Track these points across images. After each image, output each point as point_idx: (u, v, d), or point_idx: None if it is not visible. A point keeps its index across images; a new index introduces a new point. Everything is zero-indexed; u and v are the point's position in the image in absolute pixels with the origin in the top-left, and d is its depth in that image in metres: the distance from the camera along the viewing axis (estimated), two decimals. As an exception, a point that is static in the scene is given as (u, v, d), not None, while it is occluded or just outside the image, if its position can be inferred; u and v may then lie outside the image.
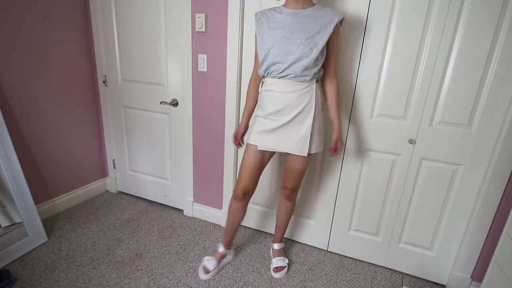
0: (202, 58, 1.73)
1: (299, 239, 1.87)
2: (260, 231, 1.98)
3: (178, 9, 1.72)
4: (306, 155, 1.30)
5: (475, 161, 1.38)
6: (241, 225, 2.02)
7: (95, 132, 2.21)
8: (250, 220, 1.98)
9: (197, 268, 1.60)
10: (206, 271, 1.54)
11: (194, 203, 2.07)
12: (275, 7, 1.27)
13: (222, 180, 1.92)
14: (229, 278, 1.55)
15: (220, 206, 1.98)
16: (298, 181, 1.44)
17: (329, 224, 1.76)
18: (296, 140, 1.29)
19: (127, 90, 2.04)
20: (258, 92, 1.37)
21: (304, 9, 1.20)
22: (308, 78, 1.23)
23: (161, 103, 1.90)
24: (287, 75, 1.22)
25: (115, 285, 1.46)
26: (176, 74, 1.85)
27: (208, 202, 2.03)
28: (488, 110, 1.31)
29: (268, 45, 1.22)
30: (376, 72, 1.43)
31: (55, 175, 1.98)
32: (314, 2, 1.26)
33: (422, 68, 1.35)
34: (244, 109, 1.47)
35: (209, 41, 1.69)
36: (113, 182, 2.34)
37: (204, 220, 2.06)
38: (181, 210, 2.17)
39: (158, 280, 1.50)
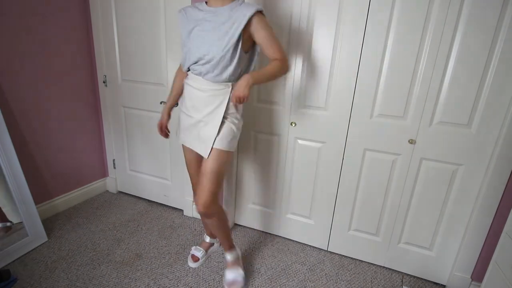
0: (202, 58, 1.72)
1: (299, 239, 1.87)
2: (260, 231, 1.98)
3: (178, 9, 1.72)
4: (206, 157, 1.25)
5: (475, 161, 1.38)
6: (240, 225, 2.02)
7: (95, 132, 2.21)
8: (250, 220, 1.98)
9: (197, 268, 1.60)
10: (195, 260, 1.60)
11: (194, 203, 2.07)
12: (197, 4, 1.25)
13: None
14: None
15: (220, 206, 1.98)
16: (209, 188, 1.25)
17: (329, 224, 1.76)
18: (202, 141, 1.26)
19: (127, 90, 2.04)
20: (180, 82, 1.39)
21: (222, 6, 1.17)
22: (222, 78, 1.19)
23: (161, 103, 1.90)
24: (202, 73, 1.21)
25: (115, 285, 1.46)
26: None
27: (208, 202, 2.02)
28: (488, 110, 1.31)
29: (188, 44, 1.22)
30: (376, 72, 1.43)
31: (55, 175, 1.98)
32: None
33: (422, 68, 1.35)
34: (168, 99, 1.46)
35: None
36: (113, 182, 2.34)
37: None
38: (181, 210, 2.17)
39: (158, 280, 1.50)
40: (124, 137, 2.18)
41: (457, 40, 1.27)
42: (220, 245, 1.66)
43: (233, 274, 1.45)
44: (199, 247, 1.65)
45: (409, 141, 1.46)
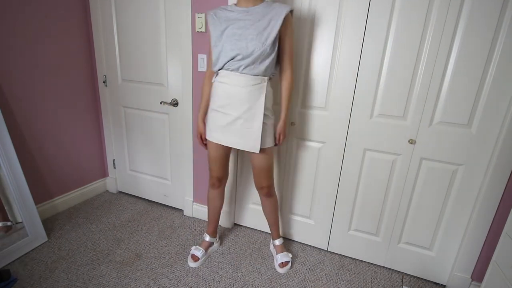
0: (202, 58, 1.73)
1: (299, 239, 1.87)
2: (260, 231, 1.98)
3: (178, 9, 1.72)
4: (258, 152, 1.35)
5: (475, 161, 1.38)
6: (240, 225, 2.02)
7: (95, 132, 2.21)
8: (250, 220, 1.98)
9: (197, 268, 1.60)
10: (195, 259, 1.61)
11: (194, 203, 2.07)
12: (226, 6, 1.32)
13: (222, 180, 1.92)
14: (229, 278, 1.55)
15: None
16: (269, 177, 1.49)
17: (329, 224, 1.76)
18: (248, 138, 1.34)
19: (127, 90, 2.04)
20: (209, 87, 1.45)
21: (254, 6, 1.25)
22: (261, 73, 1.27)
23: (161, 103, 1.90)
24: (239, 69, 1.27)
25: (115, 285, 1.46)
26: (176, 74, 1.85)
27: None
28: (488, 110, 1.31)
29: (221, 43, 1.27)
30: (376, 72, 1.43)
31: (55, 175, 1.98)
32: None
33: (422, 68, 1.35)
34: (200, 109, 1.49)
35: (209, 41, 1.69)
36: (113, 182, 2.34)
37: (204, 220, 2.06)
38: (181, 210, 2.17)
39: (158, 280, 1.50)
40: (124, 137, 2.18)
41: (457, 40, 1.27)
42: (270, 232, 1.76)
43: (285, 257, 1.63)
44: (199, 247, 1.66)
45: (409, 141, 1.46)
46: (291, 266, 1.65)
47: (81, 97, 2.06)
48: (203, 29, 1.67)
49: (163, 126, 2.01)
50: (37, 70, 1.76)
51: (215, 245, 1.75)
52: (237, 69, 1.27)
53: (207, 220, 2.04)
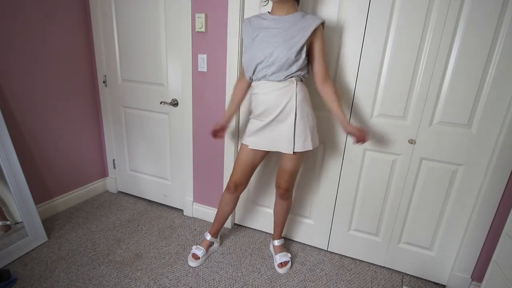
0: (202, 58, 1.73)
1: (299, 239, 1.87)
2: (260, 231, 1.98)
3: (178, 9, 1.72)
4: (291, 153, 1.35)
5: (475, 161, 1.38)
6: (240, 225, 2.02)
7: (95, 132, 2.21)
8: (250, 220, 1.98)
9: (197, 268, 1.60)
10: (196, 258, 1.62)
11: (194, 203, 2.08)
12: (261, 14, 1.35)
13: (222, 180, 1.92)
14: (229, 278, 1.55)
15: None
16: (290, 180, 1.48)
17: (329, 224, 1.76)
18: (281, 139, 1.35)
19: (127, 90, 2.04)
20: (244, 93, 1.49)
21: (287, 15, 1.28)
22: (287, 78, 1.28)
23: (161, 103, 1.90)
24: (266, 76, 1.30)
25: (115, 285, 1.46)
26: (176, 74, 1.85)
27: (208, 202, 2.03)
28: (488, 110, 1.31)
29: (251, 50, 1.31)
30: (376, 72, 1.43)
31: (55, 175, 1.98)
32: (298, 10, 1.32)
33: (422, 68, 1.35)
34: (228, 107, 1.53)
35: (209, 41, 1.69)
36: (113, 182, 2.34)
37: (204, 220, 2.06)
38: (181, 210, 2.17)
39: (158, 280, 1.50)
40: (124, 137, 2.18)
41: (457, 40, 1.27)
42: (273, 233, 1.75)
43: (284, 257, 1.65)
44: (199, 246, 1.66)
45: (409, 141, 1.46)
46: (291, 266, 1.66)
47: (81, 97, 2.06)
48: (203, 29, 1.67)
49: (163, 126, 2.01)
50: (37, 70, 1.76)
51: (215, 245, 1.75)
52: (264, 77, 1.30)
53: (212, 220, 2.05)
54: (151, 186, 2.21)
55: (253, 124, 1.41)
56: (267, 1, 1.41)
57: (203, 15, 1.65)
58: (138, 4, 1.82)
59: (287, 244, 1.85)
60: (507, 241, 1.13)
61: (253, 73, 1.33)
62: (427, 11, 1.29)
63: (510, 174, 1.32)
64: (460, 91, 1.32)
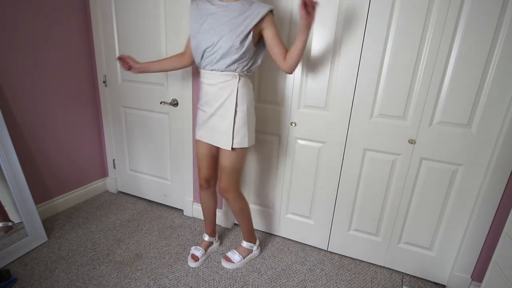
0: (202, 58, 1.73)
1: (299, 239, 1.87)
2: (260, 231, 1.98)
3: (178, 9, 1.72)
4: (229, 149, 1.34)
5: (475, 161, 1.38)
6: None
7: (95, 132, 2.21)
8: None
9: (197, 268, 1.60)
10: (196, 259, 1.62)
11: (194, 203, 2.07)
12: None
13: (222, 180, 1.92)
14: (229, 278, 1.55)
15: (220, 206, 1.98)
16: (228, 180, 1.43)
17: (329, 224, 1.76)
18: (220, 134, 1.35)
19: (127, 90, 2.04)
20: (172, 65, 1.49)
21: (235, 2, 1.25)
22: (231, 69, 1.28)
23: (161, 103, 1.90)
24: (211, 63, 1.28)
25: (115, 285, 1.46)
26: (176, 74, 1.85)
27: (208, 202, 2.02)
28: (488, 110, 1.31)
29: (197, 36, 1.28)
30: (376, 72, 1.43)
31: (55, 175, 1.98)
32: None
33: (422, 68, 1.35)
34: (152, 62, 1.49)
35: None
36: (113, 182, 2.34)
37: (204, 220, 2.06)
38: (181, 210, 2.17)
39: (158, 280, 1.50)
40: (124, 137, 2.18)
41: (457, 40, 1.27)
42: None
43: (236, 256, 1.63)
44: (198, 247, 1.67)
45: (409, 141, 1.46)
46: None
47: (81, 97, 2.06)
48: (203, 29, 1.67)
49: (163, 126, 2.01)
50: (37, 70, 1.76)
51: (215, 245, 1.75)
52: (209, 64, 1.29)
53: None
54: (151, 186, 2.21)
55: (199, 116, 1.42)
56: None
57: (203, 15, 1.64)
58: (138, 4, 1.82)
59: (287, 244, 1.85)
60: (507, 241, 1.13)
61: (201, 58, 1.31)
62: (427, 11, 1.28)
63: (510, 174, 1.32)
64: (460, 91, 1.32)
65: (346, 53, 1.46)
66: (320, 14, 1.46)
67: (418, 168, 1.48)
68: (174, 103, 1.90)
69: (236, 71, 1.29)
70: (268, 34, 1.26)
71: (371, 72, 1.44)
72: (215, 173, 1.55)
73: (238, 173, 1.44)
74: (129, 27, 1.89)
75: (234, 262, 1.62)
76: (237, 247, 1.69)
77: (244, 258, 1.64)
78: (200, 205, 2.05)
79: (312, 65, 1.54)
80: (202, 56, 1.30)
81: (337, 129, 1.58)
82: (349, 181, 1.64)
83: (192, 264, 1.61)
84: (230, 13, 1.24)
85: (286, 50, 1.28)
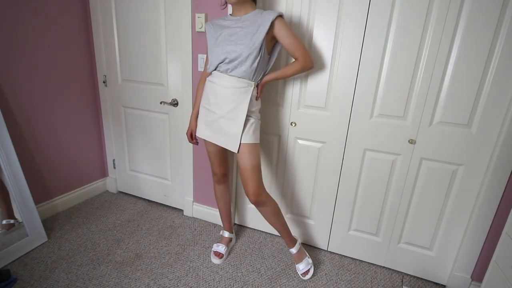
0: (202, 58, 1.73)
1: (299, 239, 1.87)
2: (260, 231, 1.98)
3: (178, 9, 1.72)
4: (236, 151, 1.36)
5: (475, 161, 1.38)
6: (240, 225, 2.02)
7: (95, 132, 2.21)
8: (250, 220, 1.98)
9: (197, 268, 1.60)
10: (220, 256, 1.66)
11: (194, 203, 2.08)
12: (223, 17, 1.40)
13: (222, 180, 1.92)
14: (229, 278, 1.55)
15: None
16: (256, 181, 1.39)
17: (329, 224, 1.76)
18: (229, 137, 1.37)
19: (127, 90, 2.04)
20: (201, 86, 1.52)
21: (246, 14, 1.33)
22: (247, 76, 1.32)
23: (161, 103, 1.90)
24: (227, 71, 1.33)
25: (115, 285, 1.46)
26: (176, 74, 1.85)
27: (208, 202, 2.03)
28: (488, 110, 1.31)
29: (214, 49, 1.34)
30: (376, 72, 1.43)
31: (55, 175, 1.98)
32: (256, 8, 1.36)
33: (422, 68, 1.35)
34: (194, 107, 1.54)
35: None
36: (113, 182, 2.34)
37: (204, 220, 2.06)
38: (181, 210, 2.17)
39: (158, 280, 1.50)
40: (124, 137, 2.18)
41: (457, 40, 1.27)
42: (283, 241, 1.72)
43: (304, 265, 1.57)
44: (220, 244, 1.70)
45: (409, 141, 1.46)
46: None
47: (81, 97, 2.06)
48: (203, 29, 1.67)
49: (163, 126, 2.01)
50: (37, 70, 1.76)
51: (234, 240, 1.80)
52: (226, 71, 1.33)
53: (212, 220, 2.05)
54: (151, 186, 2.21)
55: (205, 114, 1.41)
56: (225, 5, 1.53)
57: (203, 15, 1.65)
58: (138, 4, 1.82)
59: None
60: (507, 241, 1.13)
61: (215, 69, 1.36)
62: (427, 11, 1.29)
63: (510, 174, 1.32)
64: (460, 91, 1.32)
65: (346, 53, 1.46)
66: (320, 14, 1.46)
67: (418, 168, 1.48)
68: (174, 103, 1.90)
69: (252, 79, 1.34)
70: (282, 36, 1.31)
71: (371, 72, 1.44)
72: (226, 168, 1.60)
73: (260, 171, 1.41)
74: (129, 27, 1.89)
75: (309, 273, 1.56)
76: (294, 258, 1.58)
77: (309, 262, 1.58)
78: (201, 205, 2.05)
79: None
80: (218, 66, 1.34)
81: (337, 129, 1.58)
82: (349, 181, 1.64)
83: (216, 261, 1.64)
84: (243, 24, 1.31)
85: (298, 50, 1.33)
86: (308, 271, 1.57)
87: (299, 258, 1.58)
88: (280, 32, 1.31)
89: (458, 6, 1.24)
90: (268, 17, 1.28)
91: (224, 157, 1.55)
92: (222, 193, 1.66)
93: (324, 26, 1.47)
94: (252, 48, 1.27)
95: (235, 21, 1.34)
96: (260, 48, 1.28)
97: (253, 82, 1.35)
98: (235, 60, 1.29)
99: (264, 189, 1.44)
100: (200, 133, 1.46)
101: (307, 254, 1.61)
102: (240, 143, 1.35)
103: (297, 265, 1.58)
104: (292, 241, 1.57)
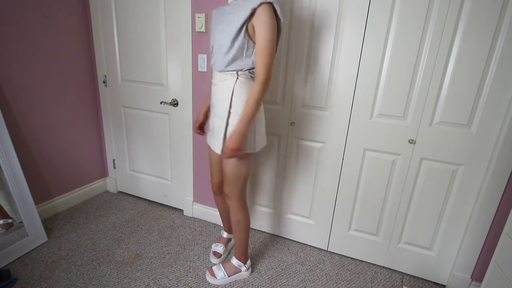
0: (202, 58, 1.73)
1: (299, 239, 1.87)
2: (260, 231, 1.98)
3: (178, 9, 1.72)
4: (219, 153, 1.24)
5: (475, 161, 1.38)
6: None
7: (95, 132, 2.21)
8: (250, 220, 1.98)
9: (197, 268, 1.60)
10: (218, 256, 1.65)
11: (194, 203, 2.08)
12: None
13: (222, 180, 1.92)
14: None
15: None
16: (231, 187, 1.30)
17: (329, 224, 1.76)
18: (215, 136, 1.27)
19: (127, 90, 2.04)
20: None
21: None
22: (230, 69, 1.19)
23: (161, 103, 1.90)
24: (214, 64, 1.24)
25: (115, 285, 1.46)
26: (176, 74, 1.85)
27: (208, 202, 2.03)
28: (488, 110, 1.31)
29: (210, 38, 1.27)
30: (376, 72, 1.43)
31: (55, 175, 1.98)
32: None
33: (422, 68, 1.35)
34: (205, 100, 1.50)
35: (209, 41, 1.69)
36: (113, 182, 2.34)
37: (204, 220, 2.06)
38: (181, 210, 2.17)
39: (158, 280, 1.50)
40: (124, 137, 2.18)
41: (457, 40, 1.27)
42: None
43: (221, 273, 1.50)
44: (219, 243, 1.69)
45: (409, 141, 1.46)
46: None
47: (81, 97, 2.06)
48: (203, 29, 1.67)
49: (163, 126, 2.01)
50: (37, 70, 1.76)
51: (232, 240, 1.79)
52: (215, 64, 1.24)
53: (212, 220, 2.05)
54: (151, 186, 2.21)
55: (209, 120, 1.36)
56: None
57: (203, 15, 1.65)
58: (138, 4, 1.82)
59: (287, 244, 1.85)
60: (507, 241, 1.13)
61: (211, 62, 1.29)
62: (427, 11, 1.28)
63: (510, 174, 1.32)
64: (460, 91, 1.32)
65: (346, 53, 1.46)
66: (320, 14, 1.46)
67: (418, 168, 1.48)
68: (174, 103, 1.90)
69: (235, 70, 1.19)
70: (255, 34, 1.12)
71: (371, 72, 1.44)
72: (222, 178, 1.47)
73: (240, 181, 1.29)
74: (129, 27, 1.89)
75: (216, 278, 1.48)
76: (225, 262, 1.55)
77: (229, 277, 1.49)
78: (201, 205, 2.05)
79: (312, 65, 1.54)
80: (212, 54, 1.26)
81: (337, 129, 1.58)
82: (349, 181, 1.64)
83: (214, 260, 1.64)
84: (233, 9, 1.17)
85: (259, 61, 1.12)
86: (213, 275, 1.48)
87: (229, 268, 1.50)
88: (256, 26, 1.10)
89: (458, 6, 1.24)
90: (250, 3, 1.09)
91: (220, 165, 1.43)
92: (219, 203, 1.61)
93: (324, 26, 1.47)
94: (230, 39, 1.13)
95: (231, 7, 1.19)
96: (234, 39, 1.12)
97: (235, 72, 1.19)
98: (217, 52, 1.19)
99: (239, 197, 1.34)
100: (206, 138, 1.39)
101: (230, 276, 1.49)
102: (223, 144, 1.22)
103: (218, 266, 1.52)
104: (241, 256, 1.50)
